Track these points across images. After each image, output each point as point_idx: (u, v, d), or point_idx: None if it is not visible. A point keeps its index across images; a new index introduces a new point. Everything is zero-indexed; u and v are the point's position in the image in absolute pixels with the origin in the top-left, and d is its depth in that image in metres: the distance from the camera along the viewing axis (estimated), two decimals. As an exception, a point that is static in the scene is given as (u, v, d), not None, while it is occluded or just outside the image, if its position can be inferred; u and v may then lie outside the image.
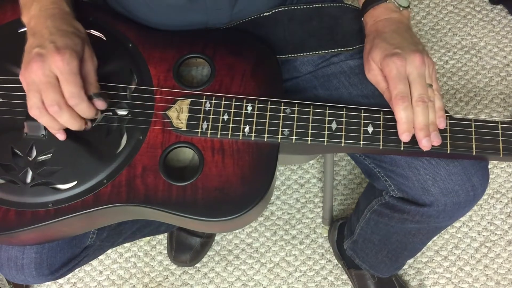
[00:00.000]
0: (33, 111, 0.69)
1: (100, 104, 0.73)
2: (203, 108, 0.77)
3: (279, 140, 0.75)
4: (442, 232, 1.41)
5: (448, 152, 0.73)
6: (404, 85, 0.72)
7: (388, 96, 0.74)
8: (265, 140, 0.75)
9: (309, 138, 0.75)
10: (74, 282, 1.41)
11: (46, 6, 0.73)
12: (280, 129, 0.75)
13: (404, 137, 0.72)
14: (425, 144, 0.72)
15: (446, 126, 0.74)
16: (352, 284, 1.36)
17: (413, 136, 0.73)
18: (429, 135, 0.72)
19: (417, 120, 0.71)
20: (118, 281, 1.41)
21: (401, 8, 0.78)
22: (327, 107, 0.76)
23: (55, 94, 0.68)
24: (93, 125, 0.75)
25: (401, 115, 0.71)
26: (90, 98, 0.72)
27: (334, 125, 0.75)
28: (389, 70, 0.72)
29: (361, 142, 0.74)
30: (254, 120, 0.76)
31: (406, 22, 0.78)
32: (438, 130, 0.73)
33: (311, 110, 0.76)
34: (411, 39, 0.75)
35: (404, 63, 0.72)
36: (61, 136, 0.73)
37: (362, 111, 0.76)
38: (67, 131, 0.73)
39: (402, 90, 0.71)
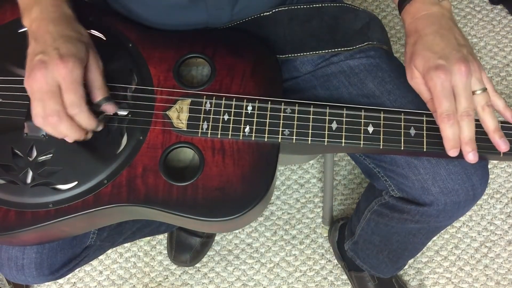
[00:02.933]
0: (37, 120, 0.69)
1: (110, 108, 0.73)
2: (203, 108, 0.77)
3: (280, 140, 0.75)
4: (442, 232, 1.41)
5: (448, 152, 0.73)
6: (450, 102, 0.68)
7: (431, 107, 0.72)
8: (266, 140, 0.75)
9: (310, 138, 0.75)
10: (74, 282, 1.41)
11: (47, 9, 0.72)
12: (281, 129, 0.75)
13: (452, 153, 0.70)
14: (471, 158, 0.70)
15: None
16: (352, 286, 1.36)
17: (417, 136, 0.73)
18: (475, 149, 0.69)
19: (463, 134, 0.69)
20: (118, 281, 1.41)
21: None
22: (328, 107, 0.76)
23: (55, 104, 0.67)
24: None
25: (448, 132, 0.69)
26: (98, 105, 0.72)
27: (334, 125, 0.75)
28: (433, 85, 0.69)
29: (362, 142, 0.74)
30: (255, 120, 0.76)
31: (448, 16, 0.74)
32: (504, 135, 0.70)
33: (312, 110, 0.76)
34: (455, 42, 0.71)
35: (449, 76, 0.68)
36: (69, 139, 0.73)
37: (363, 110, 0.76)
38: None
39: (448, 108, 0.68)
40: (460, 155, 0.76)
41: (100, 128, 0.73)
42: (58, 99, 0.68)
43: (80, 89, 0.68)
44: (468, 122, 0.68)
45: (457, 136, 0.69)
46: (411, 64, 0.72)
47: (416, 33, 0.73)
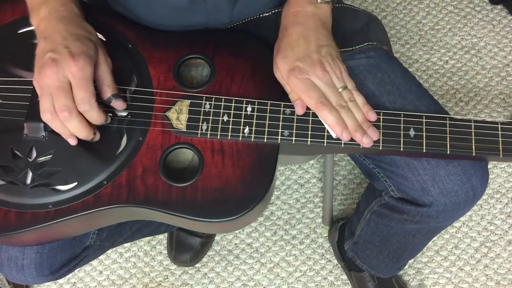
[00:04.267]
0: (45, 116, 0.69)
1: (120, 104, 0.73)
2: (202, 109, 0.77)
3: (279, 141, 0.75)
4: (442, 232, 1.41)
5: (448, 152, 0.73)
6: (317, 91, 0.73)
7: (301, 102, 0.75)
8: (265, 141, 0.75)
9: (309, 139, 0.75)
10: (74, 282, 1.41)
11: (55, 9, 0.73)
12: (280, 130, 0.75)
13: (344, 136, 0.73)
14: (366, 141, 0.73)
15: (446, 127, 0.74)
16: (352, 286, 1.36)
17: (408, 136, 0.73)
18: (365, 133, 0.73)
19: (348, 125, 0.73)
20: (118, 281, 1.41)
21: (319, 1, 0.77)
22: (327, 108, 0.76)
23: (66, 99, 0.68)
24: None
25: (329, 118, 0.72)
26: (108, 101, 0.72)
27: (333, 126, 0.75)
28: (294, 86, 0.74)
29: (361, 143, 0.75)
30: (254, 121, 0.76)
31: (320, 18, 0.77)
32: (372, 125, 0.74)
33: (311, 111, 0.76)
34: (315, 44, 0.75)
35: (307, 75, 0.73)
36: (73, 141, 0.73)
37: (362, 111, 0.76)
38: None
39: (317, 96, 0.73)
40: (460, 156, 0.76)
41: (108, 121, 0.74)
42: (69, 94, 0.68)
43: (91, 86, 0.69)
44: (346, 111, 0.73)
45: (341, 120, 0.72)
46: (276, 60, 0.76)
47: (285, 31, 0.78)
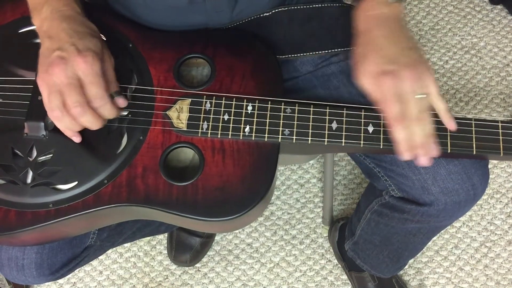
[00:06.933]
0: (55, 113, 0.69)
1: (122, 102, 0.73)
2: (203, 108, 0.77)
3: (280, 140, 0.75)
4: (442, 232, 1.41)
5: (449, 151, 0.73)
6: (399, 105, 0.69)
7: (381, 106, 0.72)
8: (266, 140, 0.75)
9: (310, 138, 0.75)
10: (74, 282, 1.41)
11: (58, 8, 0.73)
12: (281, 129, 0.75)
13: (406, 156, 0.70)
14: (423, 162, 0.70)
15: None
16: (352, 286, 1.36)
17: None
18: (428, 153, 0.70)
19: (415, 139, 0.70)
20: (118, 281, 1.41)
21: (389, 1, 0.75)
22: (328, 107, 0.76)
23: (78, 95, 0.68)
24: None
25: (400, 136, 0.69)
26: (111, 97, 0.72)
27: (334, 125, 0.75)
28: (382, 91, 0.70)
29: (362, 142, 0.74)
30: (255, 120, 0.76)
31: (398, 19, 0.75)
32: (436, 141, 0.71)
33: (312, 109, 0.76)
34: (405, 45, 0.72)
35: (398, 81, 0.69)
36: (77, 139, 0.73)
37: (363, 110, 0.76)
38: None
39: (398, 111, 0.69)
40: (460, 155, 0.76)
41: (118, 114, 0.74)
42: (80, 90, 0.68)
43: (102, 82, 0.69)
44: (420, 126, 0.69)
45: (409, 138, 0.69)
46: (360, 67, 0.72)
47: (368, 33, 0.74)
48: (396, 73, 0.69)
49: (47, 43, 0.70)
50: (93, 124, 0.70)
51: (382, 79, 0.69)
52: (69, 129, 0.71)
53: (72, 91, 0.68)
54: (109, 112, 0.71)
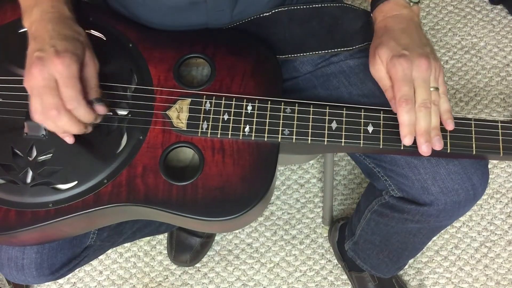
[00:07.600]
0: (36, 116, 0.69)
1: (101, 109, 0.72)
2: (203, 108, 0.77)
3: (279, 140, 0.75)
4: (442, 232, 1.41)
5: (448, 151, 0.73)
6: (409, 88, 0.71)
7: (390, 95, 0.74)
8: (265, 139, 0.75)
9: (309, 138, 0.75)
10: (74, 282, 1.41)
11: (47, 10, 0.73)
12: (280, 128, 0.75)
13: (406, 140, 0.71)
14: (424, 150, 0.71)
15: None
16: (352, 286, 1.36)
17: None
18: (430, 141, 0.71)
19: (419, 125, 0.71)
20: (118, 281, 1.41)
21: (411, 4, 0.77)
22: (327, 107, 0.76)
23: (53, 97, 0.68)
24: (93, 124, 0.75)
25: (404, 117, 0.70)
26: (91, 103, 0.71)
27: (334, 125, 0.75)
28: (395, 72, 0.71)
29: (361, 142, 0.75)
30: (254, 119, 0.76)
31: (416, 20, 0.77)
32: (441, 135, 0.72)
33: (311, 109, 0.76)
34: (419, 40, 0.74)
35: (411, 66, 0.71)
36: (70, 140, 0.73)
37: (362, 110, 0.76)
38: None
39: (407, 93, 0.70)
40: (460, 155, 0.76)
41: (98, 120, 0.73)
42: (55, 92, 0.68)
43: (77, 84, 0.69)
44: (425, 113, 0.71)
45: (413, 123, 0.71)
46: (375, 53, 0.75)
47: (384, 29, 0.76)
48: (411, 58, 0.71)
49: (32, 45, 0.71)
50: (71, 128, 0.70)
51: (397, 60, 0.71)
52: (54, 131, 0.71)
53: (47, 93, 0.67)
54: (84, 115, 0.70)
